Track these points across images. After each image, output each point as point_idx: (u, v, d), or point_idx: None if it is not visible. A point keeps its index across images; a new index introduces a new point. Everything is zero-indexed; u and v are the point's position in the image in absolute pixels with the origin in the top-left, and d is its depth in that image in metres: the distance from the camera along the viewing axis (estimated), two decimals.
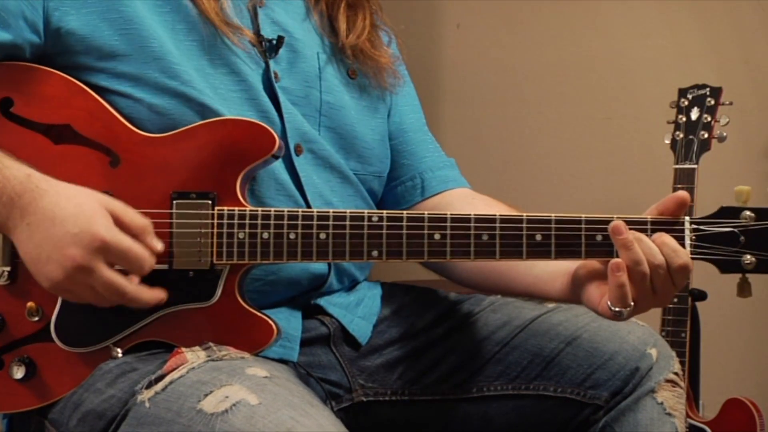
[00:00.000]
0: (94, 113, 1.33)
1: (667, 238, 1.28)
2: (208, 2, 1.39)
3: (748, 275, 1.31)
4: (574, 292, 1.37)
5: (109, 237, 1.23)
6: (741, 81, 2.60)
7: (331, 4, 1.56)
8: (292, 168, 1.42)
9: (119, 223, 1.25)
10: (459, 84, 2.89)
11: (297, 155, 1.43)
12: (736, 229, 1.28)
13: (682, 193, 1.30)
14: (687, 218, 1.30)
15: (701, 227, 1.29)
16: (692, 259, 1.29)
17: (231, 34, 1.39)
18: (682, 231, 1.29)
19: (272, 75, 1.43)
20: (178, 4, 1.39)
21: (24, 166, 1.27)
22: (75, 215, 1.23)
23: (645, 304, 1.30)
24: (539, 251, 1.30)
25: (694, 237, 1.29)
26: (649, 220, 1.29)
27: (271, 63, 1.44)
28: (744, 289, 1.32)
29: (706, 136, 2.30)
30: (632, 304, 1.27)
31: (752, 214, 1.28)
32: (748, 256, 1.28)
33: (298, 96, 1.45)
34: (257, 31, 1.44)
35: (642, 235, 1.28)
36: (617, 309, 1.28)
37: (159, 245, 1.28)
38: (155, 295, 1.29)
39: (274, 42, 1.43)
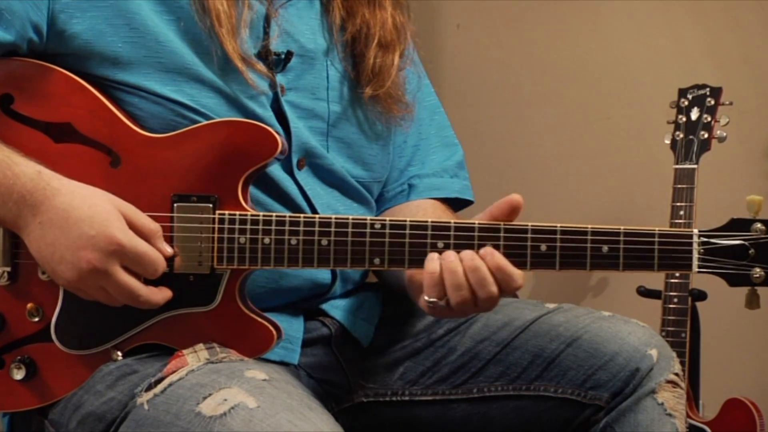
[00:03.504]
0: (95, 112, 1.32)
1: (501, 262, 1.26)
2: (229, 41, 1.34)
3: (757, 288, 1.28)
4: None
5: (126, 240, 1.24)
6: (741, 81, 2.59)
7: (361, 39, 1.48)
8: (295, 181, 1.41)
9: (132, 227, 1.25)
10: (459, 84, 2.89)
11: (299, 169, 1.42)
12: (746, 242, 1.25)
13: (515, 197, 1.28)
14: (695, 231, 1.27)
15: (710, 240, 1.26)
16: (699, 272, 1.27)
17: (245, 69, 1.35)
18: (690, 244, 1.26)
19: (278, 89, 1.41)
20: (191, 23, 1.35)
21: (33, 162, 1.27)
22: (90, 217, 1.23)
23: (464, 312, 1.30)
24: (544, 262, 1.29)
25: (702, 250, 1.26)
26: (657, 232, 1.27)
27: (278, 76, 1.41)
28: (752, 302, 1.29)
29: (706, 136, 2.30)
30: (446, 297, 1.27)
31: (763, 227, 1.26)
32: (758, 270, 1.26)
33: (305, 108, 1.43)
34: (266, 47, 1.40)
35: (480, 265, 1.26)
36: (431, 299, 1.28)
37: (169, 249, 1.28)
38: (165, 295, 1.29)
39: (282, 57, 1.41)
